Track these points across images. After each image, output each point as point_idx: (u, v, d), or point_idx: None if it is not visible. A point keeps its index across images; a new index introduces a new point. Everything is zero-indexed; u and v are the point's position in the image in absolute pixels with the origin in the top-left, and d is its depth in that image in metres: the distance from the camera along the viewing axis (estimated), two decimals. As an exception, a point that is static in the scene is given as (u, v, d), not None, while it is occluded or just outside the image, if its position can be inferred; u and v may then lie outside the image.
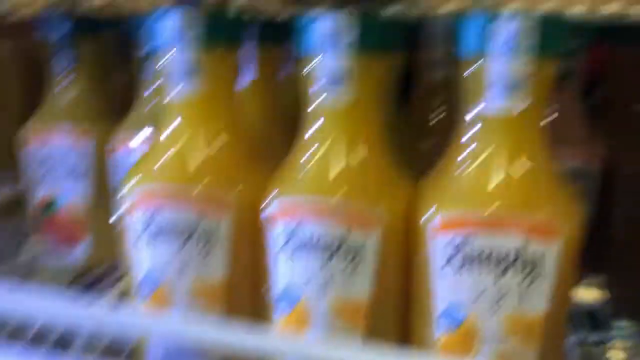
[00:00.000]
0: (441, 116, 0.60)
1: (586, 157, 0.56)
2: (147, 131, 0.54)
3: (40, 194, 0.58)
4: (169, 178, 0.40)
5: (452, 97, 0.58)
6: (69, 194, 0.57)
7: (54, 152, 0.56)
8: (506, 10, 0.35)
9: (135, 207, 0.41)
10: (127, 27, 0.65)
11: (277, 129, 0.51)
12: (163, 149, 0.41)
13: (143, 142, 0.54)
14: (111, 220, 0.58)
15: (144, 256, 0.41)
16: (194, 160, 0.40)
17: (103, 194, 0.58)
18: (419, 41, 0.55)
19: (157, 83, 0.54)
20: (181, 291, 0.41)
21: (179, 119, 0.41)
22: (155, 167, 0.41)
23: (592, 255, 0.39)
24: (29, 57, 0.72)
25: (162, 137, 0.41)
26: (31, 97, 0.74)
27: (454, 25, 0.50)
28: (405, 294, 0.40)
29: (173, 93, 0.40)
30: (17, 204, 0.67)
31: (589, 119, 0.56)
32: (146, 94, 0.55)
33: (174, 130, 0.41)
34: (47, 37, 0.56)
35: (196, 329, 0.36)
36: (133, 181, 0.41)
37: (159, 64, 0.41)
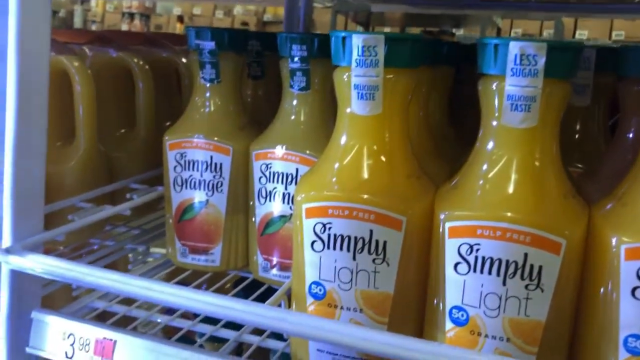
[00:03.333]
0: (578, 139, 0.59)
1: None
2: (283, 146, 0.58)
3: (180, 198, 0.64)
4: (345, 192, 0.42)
5: (591, 121, 0.58)
6: (207, 200, 0.62)
7: (195, 159, 0.62)
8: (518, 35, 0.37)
9: (309, 216, 0.43)
10: (264, 46, 0.70)
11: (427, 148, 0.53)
12: (336, 163, 0.43)
13: (280, 155, 0.57)
14: (245, 226, 0.63)
15: (314, 263, 0.43)
16: (369, 177, 0.42)
17: (239, 201, 0.63)
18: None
19: (294, 100, 0.58)
20: (350, 300, 0.43)
21: (353, 136, 0.43)
22: (329, 180, 0.43)
23: None
24: (162, 68, 0.79)
25: (334, 152, 0.44)
26: (168, 103, 0.82)
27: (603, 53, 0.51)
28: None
29: (348, 111, 0.43)
30: (156, 204, 0.74)
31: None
32: (287, 109, 0.59)
33: (346, 146, 0.43)
34: (191, 50, 0.62)
35: (374, 336, 0.37)
36: (309, 192, 0.43)
37: (335, 81, 0.43)
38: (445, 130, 0.61)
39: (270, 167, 0.59)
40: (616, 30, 2.79)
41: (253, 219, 0.61)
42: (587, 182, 0.49)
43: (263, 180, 0.59)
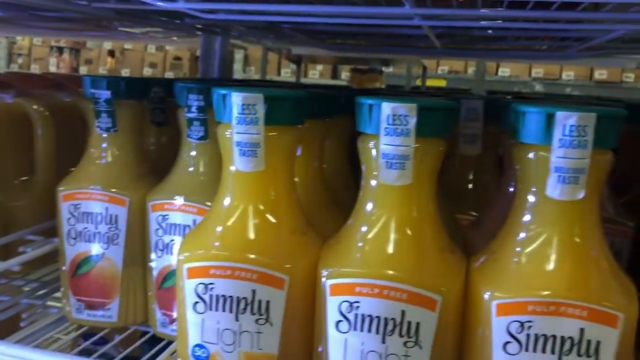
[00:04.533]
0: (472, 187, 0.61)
1: (615, 234, 0.55)
2: (182, 197, 0.56)
3: (74, 252, 0.61)
4: (226, 251, 0.41)
5: (483, 169, 0.60)
6: (103, 253, 0.60)
7: (90, 211, 0.59)
8: (566, 105, 0.36)
9: (191, 277, 0.42)
10: (167, 92, 0.69)
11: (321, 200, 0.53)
12: (220, 222, 0.42)
13: (179, 206, 0.56)
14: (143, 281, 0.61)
15: (197, 324, 0.42)
16: (251, 235, 0.41)
17: (136, 254, 0.61)
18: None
19: (193, 150, 0.57)
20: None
21: (237, 194, 0.42)
22: (212, 239, 0.42)
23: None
24: (66, 114, 0.77)
25: (218, 210, 0.43)
26: (72, 150, 0.79)
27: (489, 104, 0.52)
28: None
29: (232, 168, 0.42)
30: (50, 257, 0.71)
31: (614, 195, 0.55)
32: (185, 159, 0.58)
33: (231, 205, 0.42)
34: (88, 98, 0.60)
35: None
36: (190, 252, 0.42)
37: (218, 137, 0.43)
38: (347, 179, 0.61)
39: (167, 219, 0.57)
40: (535, 68, 2.94)
41: (151, 273, 0.59)
42: (476, 231, 0.50)
43: (160, 232, 0.58)
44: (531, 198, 0.38)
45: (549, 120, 0.36)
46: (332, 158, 0.58)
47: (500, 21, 0.56)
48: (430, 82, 2.89)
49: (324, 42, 0.96)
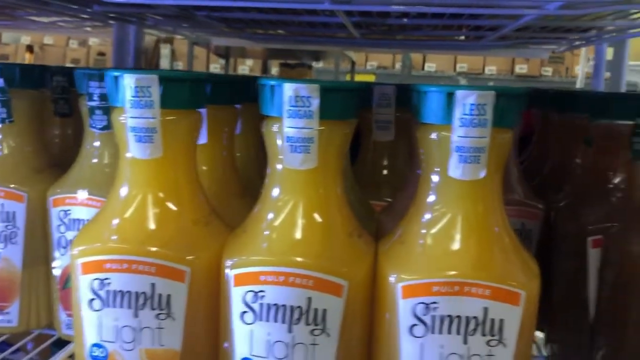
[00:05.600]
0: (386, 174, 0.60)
1: (525, 216, 0.56)
2: (85, 190, 0.53)
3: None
4: (122, 243, 0.39)
5: (398, 155, 0.60)
6: (0, 253, 0.56)
7: (-14, 208, 0.55)
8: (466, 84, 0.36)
9: (85, 272, 0.39)
10: (70, 82, 0.66)
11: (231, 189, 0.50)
12: (115, 213, 0.40)
13: (82, 200, 0.53)
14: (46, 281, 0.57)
15: (93, 323, 0.39)
16: (149, 226, 0.39)
17: (38, 253, 0.57)
18: (368, 103, 0.57)
19: (96, 140, 0.54)
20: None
21: (134, 182, 0.40)
22: (107, 231, 0.39)
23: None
24: None
25: (115, 201, 0.40)
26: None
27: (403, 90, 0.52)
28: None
29: (128, 155, 0.40)
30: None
31: (525, 178, 0.56)
32: (88, 150, 0.54)
33: (128, 194, 0.40)
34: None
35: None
36: (83, 246, 0.39)
37: (112, 123, 0.40)
38: (262, 168, 0.60)
39: (70, 214, 0.54)
40: (460, 63, 3.02)
41: (54, 272, 0.55)
42: (388, 216, 0.50)
43: (62, 228, 0.54)
44: (435, 179, 0.38)
45: (449, 99, 0.36)
46: (245, 147, 0.57)
47: (410, 6, 0.56)
48: (359, 78, 2.91)
49: (242, 32, 0.93)
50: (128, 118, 0.39)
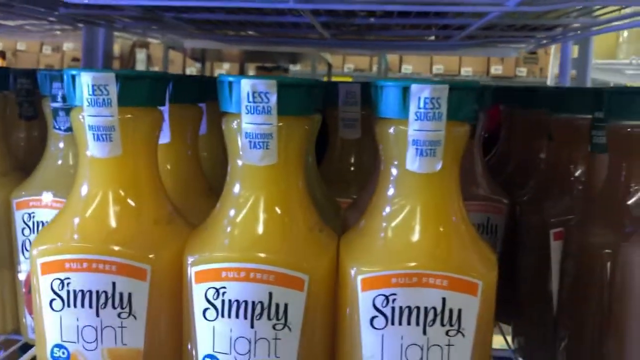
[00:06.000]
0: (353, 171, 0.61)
1: (491, 211, 0.57)
2: (50, 193, 0.53)
3: None
4: (82, 242, 0.39)
5: (364, 153, 0.60)
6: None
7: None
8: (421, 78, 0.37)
9: (45, 272, 0.39)
10: (35, 84, 0.65)
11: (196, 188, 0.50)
12: (76, 212, 0.40)
13: (47, 203, 0.52)
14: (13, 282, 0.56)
15: (55, 324, 0.39)
16: (109, 225, 0.39)
17: (3, 257, 0.56)
18: (334, 101, 0.57)
19: (61, 142, 0.54)
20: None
21: (94, 181, 0.40)
22: (67, 231, 0.39)
23: (498, 304, 0.39)
24: None
25: (75, 200, 0.40)
26: None
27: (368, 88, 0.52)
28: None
29: (87, 154, 0.39)
30: None
31: (490, 173, 0.57)
32: (53, 152, 0.54)
33: (88, 194, 0.40)
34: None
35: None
36: (44, 245, 0.39)
37: (71, 122, 0.40)
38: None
39: (34, 217, 0.53)
40: (436, 64, 3.05)
41: (19, 277, 0.55)
42: (354, 213, 0.50)
43: (27, 231, 0.54)
44: (393, 172, 0.38)
45: (405, 94, 0.36)
46: (211, 145, 0.57)
47: (371, 4, 0.56)
48: (336, 80, 2.92)
49: (212, 33, 0.93)
50: (86, 116, 0.39)
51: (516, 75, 3.00)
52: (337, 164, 0.59)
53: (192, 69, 3.03)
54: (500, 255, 0.56)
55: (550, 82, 1.08)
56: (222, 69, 3.11)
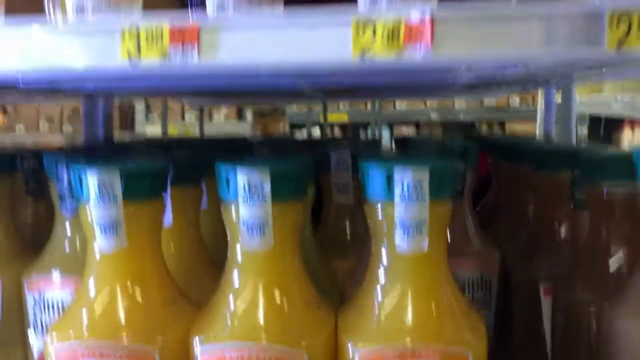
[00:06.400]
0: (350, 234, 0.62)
1: (483, 267, 0.58)
2: (59, 272, 0.55)
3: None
4: (94, 333, 0.41)
5: (359, 217, 0.62)
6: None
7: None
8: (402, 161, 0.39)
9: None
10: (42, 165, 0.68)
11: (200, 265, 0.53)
12: (85, 305, 0.42)
13: (56, 282, 0.55)
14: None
15: None
16: (117, 316, 0.42)
17: (14, 335, 0.58)
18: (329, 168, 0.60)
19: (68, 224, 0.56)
20: None
21: (104, 274, 0.43)
22: (80, 321, 0.42)
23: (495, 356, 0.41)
24: None
25: (85, 291, 0.43)
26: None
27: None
28: None
29: (96, 247, 0.42)
30: None
31: (482, 224, 0.59)
32: (60, 234, 0.56)
33: (96, 285, 0.42)
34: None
35: None
36: (57, 332, 0.41)
37: (82, 215, 0.42)
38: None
39: (45, 297, 0.56)
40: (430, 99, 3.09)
41: (32, 353, 0.57)
42: (352, 281, 0.52)
43: (37, 310, 0.56)
44: (383, 251, 0.41)
45: (389, 178, 0.39)
46: (212, 219, 0.59)
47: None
48: (332, 117, 2.97)
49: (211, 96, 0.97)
50: (93, 213, 0.41)
51: (509, 105, 3.05)
52: (332, 228, 0.62)
53: (191, 114, 3.08)
54: (496, 310, 0.57)
55: (539, 121, 1.11)
56: (221, 113, 3.16)
